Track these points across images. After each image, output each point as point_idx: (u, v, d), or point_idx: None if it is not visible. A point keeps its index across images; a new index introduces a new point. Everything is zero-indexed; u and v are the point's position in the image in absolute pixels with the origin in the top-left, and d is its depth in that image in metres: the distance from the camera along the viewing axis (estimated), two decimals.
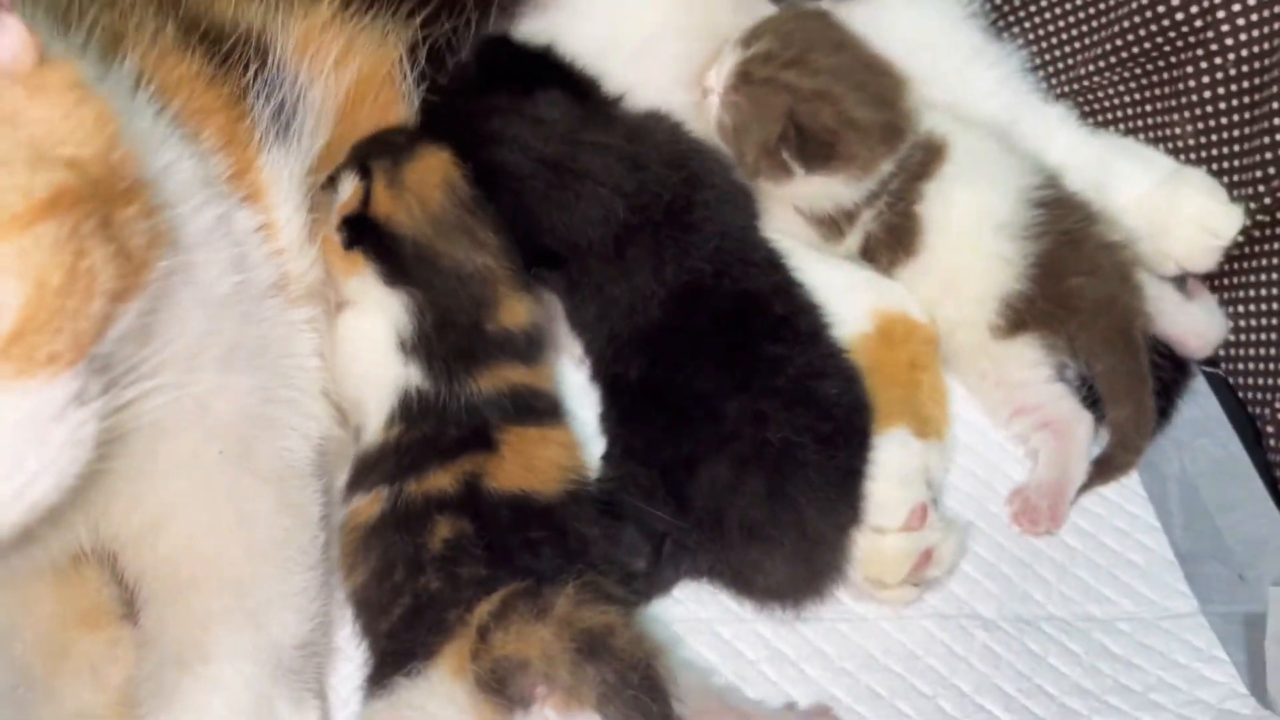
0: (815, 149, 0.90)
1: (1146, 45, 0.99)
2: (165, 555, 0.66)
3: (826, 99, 0.89)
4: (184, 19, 0.76)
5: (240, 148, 0.75)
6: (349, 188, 0.77)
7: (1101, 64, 1.03)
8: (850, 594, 0.81)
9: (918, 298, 0.94)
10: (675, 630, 0.78)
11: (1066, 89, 1.08)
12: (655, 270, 0.82)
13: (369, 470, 0.74)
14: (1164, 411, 0.94)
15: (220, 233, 0.68)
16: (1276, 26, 0.88)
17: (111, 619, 0.69)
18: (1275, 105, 0.88)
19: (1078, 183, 0.98)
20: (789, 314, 0.82)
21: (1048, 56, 1.10)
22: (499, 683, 0.62)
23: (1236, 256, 0.96)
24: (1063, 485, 0.87)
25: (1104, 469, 0.89)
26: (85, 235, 0.52)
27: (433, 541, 0.68)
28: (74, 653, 0.67)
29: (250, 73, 0.76)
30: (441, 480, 0.71)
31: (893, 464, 0.81)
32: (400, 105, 0.85)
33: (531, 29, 0.90)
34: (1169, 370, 0.95)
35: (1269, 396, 0.93)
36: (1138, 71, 1.01)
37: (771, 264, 0.86)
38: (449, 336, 0.75)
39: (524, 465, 0.73)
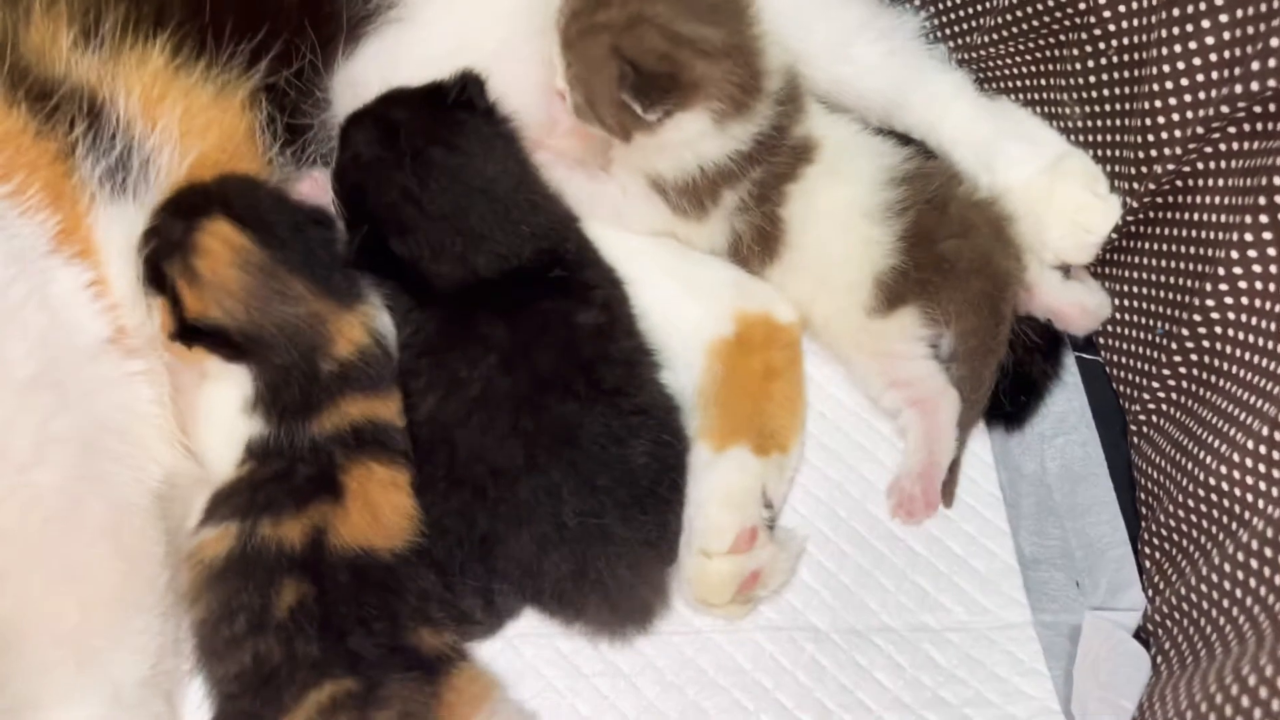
0: (658, 81, 0.84)
1: (1035, 23, 0.95)
2: (3, 612, 0.72)
3: (644, 21, 0.84)
4: (11, 72, 0.77)
5: (69, 204, 0.77)
6: (157, 308, 0.78)
7: (997, 35, 0.99)
8: (688, 606, 0.84)
9: (790, 295, 0.94)
10: (513, 641, 0.83)
11: (966, 56, 1.04)
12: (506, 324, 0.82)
13: (221, 503, 0.78)
14: (1028, 406, 0.95)
15: (28, 310, 0.71)
16: (1153, 19, 0.83)
17: None
18: (1153, 99, 0.84)
19: (968, 161, 0.97)
20: (593, 364, 0.82)
21: (947, 22, 1.06)
22: None
23: (1118, 243, 0.94)
24: (931, 467, 0.89)
25: None
26: None
27: (279, 604, 0.72)
28: None
29: (78, 129, 0.77)
30: (292, 532, 0.74)
31: (725, 486, 0.83)
32: (258, 161, 0.85)
33: (379, 48, 0.89)
34: (1039, 364, 0.95)
35: (1141, 385, 0.92)
36: (1030, 46, 0.97)
37: (604, 305, 0.86)
38: (287, 394, 0.78)
39: (370, 515, 0.76)
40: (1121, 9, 0.87)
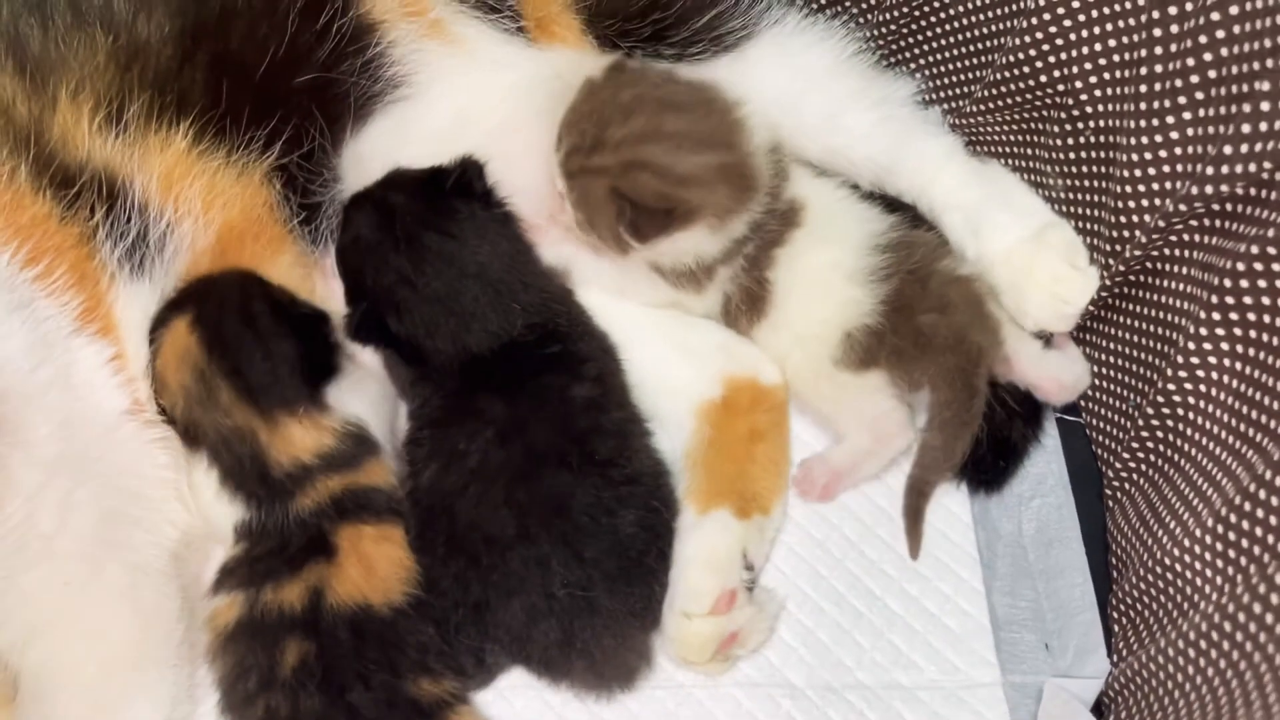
0: (657, 216, 0.91)
1: (1019, 98, 0.97)
2: (31, 664, 0.77)
3: (639, 166, 0.90)
4: (37, 159, 0.82)
5: (91, 284, 0.82)
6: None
7: (988, 105, 1.02)
8: (670, 661, 0.89)
9: (770, 352, 0.98)
10: (504, 693, 0.87)
11: (959, 121, 1.07)
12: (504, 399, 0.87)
13: (226, 576, 0.84)
14: (1007, 470, 0.98)
15: (54, 391, 0.77)
16: (1126, 107, 0.86)
17: (3, 703, 0.81)
18: (1124, 184, 0.87)
19: (955, 226, 1.00)
20: (586, 436, 0.86)
21: (942, 85, 1.09)
22: None
23: (1099, 312, 0.97)
24: (847, 473, 0.94)
25: (911, 488, 0.94)
26: None
27: (284, 664, 0.78)
28: None
29: (99, 213, 0.82)
30: (291, 594, 0.80)
31: (707, 549, 0.88)
32: (285, 241, 0.91)
33: (386, 126, 0.94)
34: (1019, 428, 0.98)
35: (1116, 451, 0.95)
36: (1017, 117, 1.00)
37: (597, 378, 0.90)
38: (249, 485, 0.83)
39: (364, 570, 0.81)
40: (1098, 93, 0.90)
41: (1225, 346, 0.77)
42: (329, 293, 0.94)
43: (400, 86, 0.94)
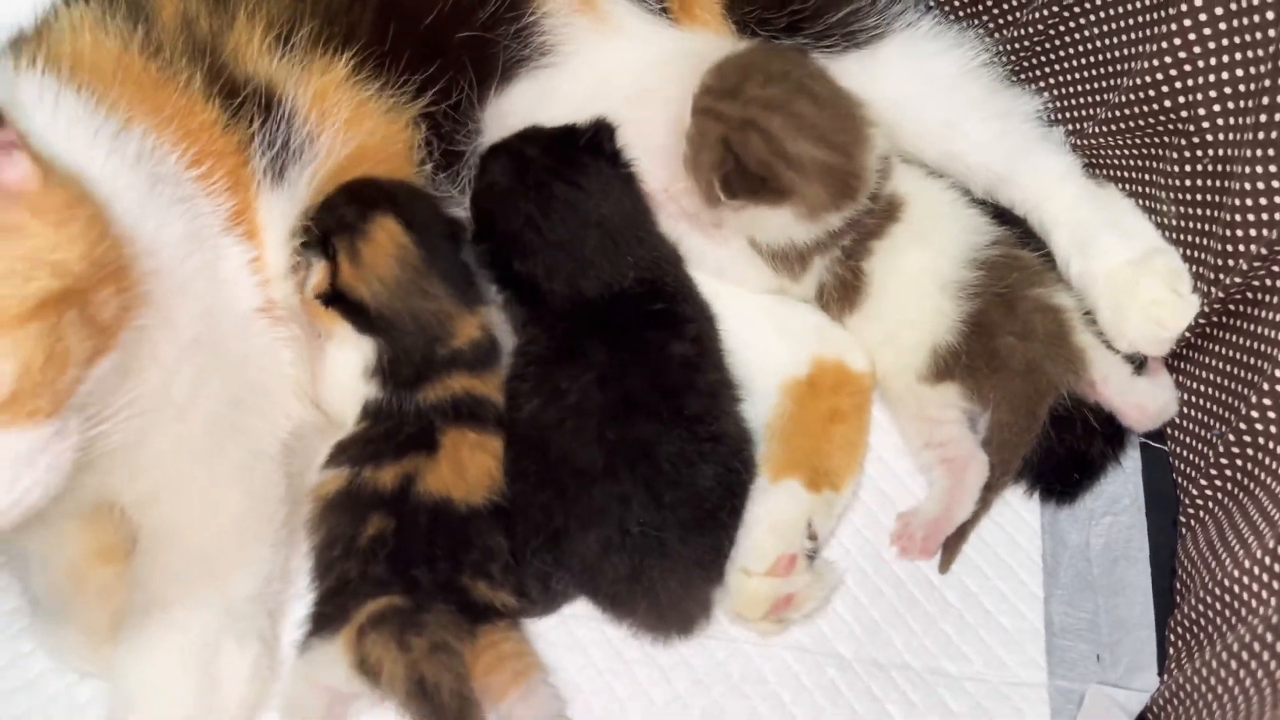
0: (749, 180, 0.95)
1: (1140, 123, 0.99)
2: (151, 522, 0.86)
3: (754, 127, 0.94)
4: (211, 69, 0.91)
5: (242, 189, 0.90)
6: (318, 269, 0.91)
7: (1110, 127, 1.03)
8: (727, 616, 0.93)
9: (863, 342, 1.02)
10: (567, 620, 0.92)
11: (1080, 142, 1.08)
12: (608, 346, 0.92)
13: (340, 453, 0.91)
14: (1080, 484, 0.99)
15: (201, 280, 0.84)
16: (1245, 136, 0.87)
17: (122, 556, 0.88)
18: (1234, 212, 0.89)
19: (1063, 242, 1.02)
20: (679, 392, 0.91)
21: (1066, 107, 1.10)
22: (368, 674, 0.80)
23: (1190, 341, 0.97)
24: (942, 522, 0.95)
25: None
26: (64, 325, 0.69)
27: (364, 534, 0.85)
28: (89, 581, 0.87)
29: (256, 123, 0.90)
30: (387, 475, 0.87)
31: (774, 513, 0.91)
32: (411, 173, 0.97)
33: (530, 87, 1.00)
34: (1099, 445, 1.00)
35: (1195, 479, 0.96)
36: (1137, 141, 1.02)
37: (695, 339, 0.95)
38: (403, 369, 0.91)
39: (456, 469, 0.88)
40: (1220, 121, 0.91)
41: None
42: None
43: (547, 54, 1.01)
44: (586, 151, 0.96)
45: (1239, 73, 0.88)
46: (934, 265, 0.99)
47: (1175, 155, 0.97)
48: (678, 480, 0.88)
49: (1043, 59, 1.11)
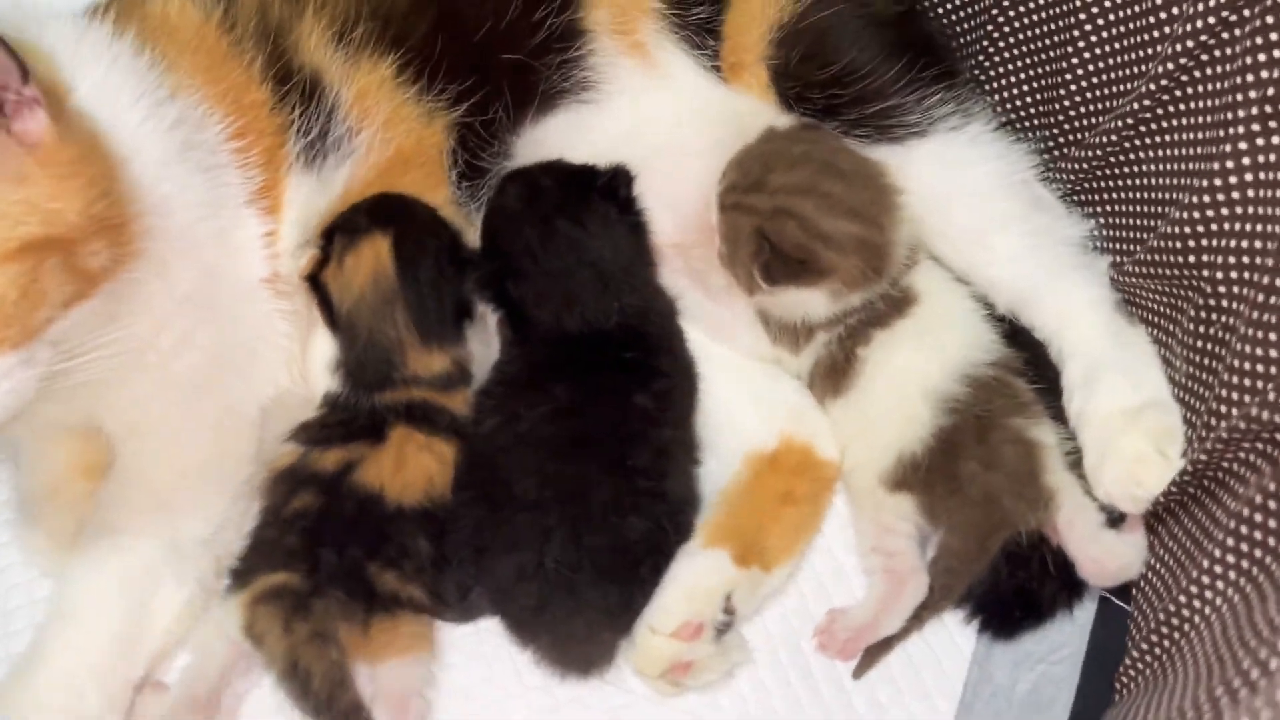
0: (789, 266, 0.97)
1: (1168, 271, 0.95)
2: (126, 452, 0.93)
3: (788, 214, 0.96)
4: (272, 54, 0.98)
5: (274, 168, 0.97)
6: (309, 254, 0.97)
7: (1144, 270, 0.99)
8: (629, 665, 0.94)
9: (839, 431, 1.01)
10: (482, 631, 0.95)
11: (1119, 277, 1.04)
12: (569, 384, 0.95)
13: (300, 431, 0.97)
14: (1022, 625, 0.97)
15: (208, 243, 0.91)
16: (1248, 309, 0.83)
17: (99, 475, 0.96)
18: (1225, 371, 0.85)
19: (1073, 375, 0.99)
20: (629, 441, 0.93)
21: (1115, 237, 1.07)
22: (254, 641, 0.86)
23: (1168, 504, 0.94)
24: (868, 630, 0.94)
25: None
26: (44, 269, 0.76)
27: (290, 506, 0.91)
28: (66, 491, 0.97)
29: (298, 109, 0.97)
30: (330, 459, 0.92)
31: (693, 578, 0.92)
32: (443, 186, 1.02)
33: (566, 121, 1.04)
34: (1051, 591, 0.97)
35: (1138, 640, 0.92)
36: (1165, 289, 0.97)
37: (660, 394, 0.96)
38: (361, 374, 0.96)
39: (396, 465, 0.92)
40: (1236, 290, 0.87)
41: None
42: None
43: (588, 90, 1.03)
44: (600, 193, 0.99)
45: (1258, 244, 0.84)
46: (924, 370, 0.98)
47: (1192, 313, 0.93)
48: (603, 527, 0.90)
49: (1102, 185, 1.07)
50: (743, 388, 1.03)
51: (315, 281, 0.98)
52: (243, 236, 0.95)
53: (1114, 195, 1.06)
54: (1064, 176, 1.09)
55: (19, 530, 0.98)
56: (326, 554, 0.88)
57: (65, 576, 0.91)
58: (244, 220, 0.95)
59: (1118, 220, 1.06)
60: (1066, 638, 0.96)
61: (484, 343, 1.03)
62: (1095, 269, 1.04)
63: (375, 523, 0.91)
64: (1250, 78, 0.83)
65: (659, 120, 1.05)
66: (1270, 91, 0.80)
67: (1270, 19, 0.81)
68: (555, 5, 1.01)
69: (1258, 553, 0.76)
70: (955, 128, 1.01)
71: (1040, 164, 1.12)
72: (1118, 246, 1.07)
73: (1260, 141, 0.82)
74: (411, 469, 0.93)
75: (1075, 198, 1.10)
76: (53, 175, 0.77)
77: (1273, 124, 0.81)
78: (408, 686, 0.88)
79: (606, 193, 0.99)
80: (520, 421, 0.94)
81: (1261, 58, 0.82)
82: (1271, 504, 0.74)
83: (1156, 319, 1.01)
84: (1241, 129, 0.83)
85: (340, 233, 0.98)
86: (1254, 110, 0.82)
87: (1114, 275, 1.05)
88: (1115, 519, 0.95)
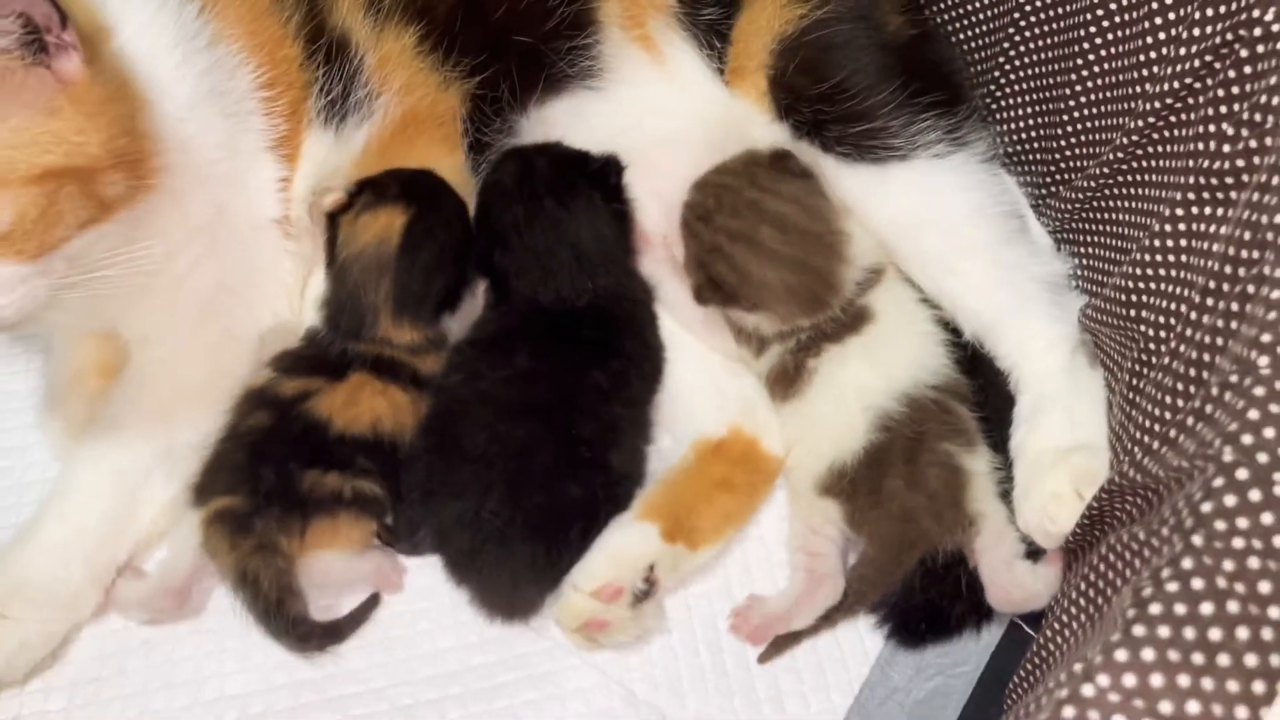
0: (718, 294, 1.05)
1: (1112, 320, 0.97)
2: (137, 359, 1.04)
3: (720, 254, 1.03)
4: (306, 14, 1.06)
5: (296, 120, 1.06)
6: (339, 194, 1.06)
7: (1100, 316, 1.02)
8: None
9: (786, 432, 1.07)
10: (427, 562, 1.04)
11: (1084, 317, 1.07)
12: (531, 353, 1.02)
13: (275, 359, 1.06)
14: (925, 637, 1.01)
15: (224, 182, 1.01)
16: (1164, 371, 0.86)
17: (114, 375, 1.07)
18: (1130, 430, 0.88)
19: (1023, 409, 1.03)
20: (578, 412, 1.00)
21: (1089, 279, 1.09)
22: (209, 555, 0.97)
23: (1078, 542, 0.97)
24: (779, 621, 1.00)
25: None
26: (63, 193, 0.85)
27: (245, 423, 1.00)
28: (84, 385, 1.08)
29: (323, 67, 1.05)
30: (289, 386, 1.01)
31: (620, 545, 0.99)
32: (458, 151, 1.10)
33: (570, 105, 1.10)
34: (960, 610, 1.01)
35: (1026, 668, 0.96)
36: (1113, 339, 1.00)
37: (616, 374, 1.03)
38: (339, 319, 1.05)
39: (348, 402, 1.01)
40: (1163, 348, 0.90)
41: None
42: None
43: (593, 78, 1.10)
44: (589, 179, 1.06)
45: (1179, 308, 0.86)
46: (868, 385, 1.02)
47: (1128, 365, 0.96)
48: (541, 487, 0.98)
49: (1083, 226, 1.09)
50: (704, 377, 1.09)
51: (333, 219, 1.07)
52: (260, 178, 1.05)
53: (1092, 239, 1.08)
54: (1053, 215, 1.12)
55: (43, 414, 1.10)
56: (266, 471, 0.97)
57: (69, 461, 1.03)
58: (263, 164, 1.05)
59: (1093, 264, 1.09)
60: (970, 654, 1.01)
61: (470, 306, 1.11)
62: (1066, 307, 1.06)
63: (318, 443, 0.99)
64: (1199, 146, 0.85)
65: (659, 114, 1.10)
66: (1208, 163, 0.83)
67: (1221, 92, 0.83)
68: None
69: (1101, 584, 0.80)
70: (939, 155, 1.04)
71: (1033, 199, 1.15)
72: (1091, 289, 1.09)
73: (1195, 210, 0.84)
74: (361, 407, 1.01)
75: (1061, 236, 1.13)
76: (81, 111, 0.86)
77: (1206, 195, 0.83)
78: (332, 576, 0.97)
79: (596, 179, 1.06)
80: (482, 380, 1.02)
81: (1211, 129, 0.84)
82: (1119, 547, 0.77)
83: (1109, 365, 1.03)
84: (1179, 195, 0.85)
85: (371, 189, 1.07)
86: (1193, 179, 0.84)
87: (1083, 316, 1.08)
88: (1036, 551, 0.99)
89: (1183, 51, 0.86)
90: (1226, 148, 0.81)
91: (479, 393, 1.01)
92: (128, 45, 0.95)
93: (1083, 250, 1.09)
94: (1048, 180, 1.13)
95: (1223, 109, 0.83)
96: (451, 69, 1.08)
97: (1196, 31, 0.85)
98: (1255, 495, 0.62)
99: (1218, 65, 0.84)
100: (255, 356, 1.07)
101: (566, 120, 1.10)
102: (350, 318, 1.04)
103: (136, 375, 1.04)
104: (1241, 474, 0.63)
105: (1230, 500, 0.62)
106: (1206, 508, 0.63)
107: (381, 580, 1.01)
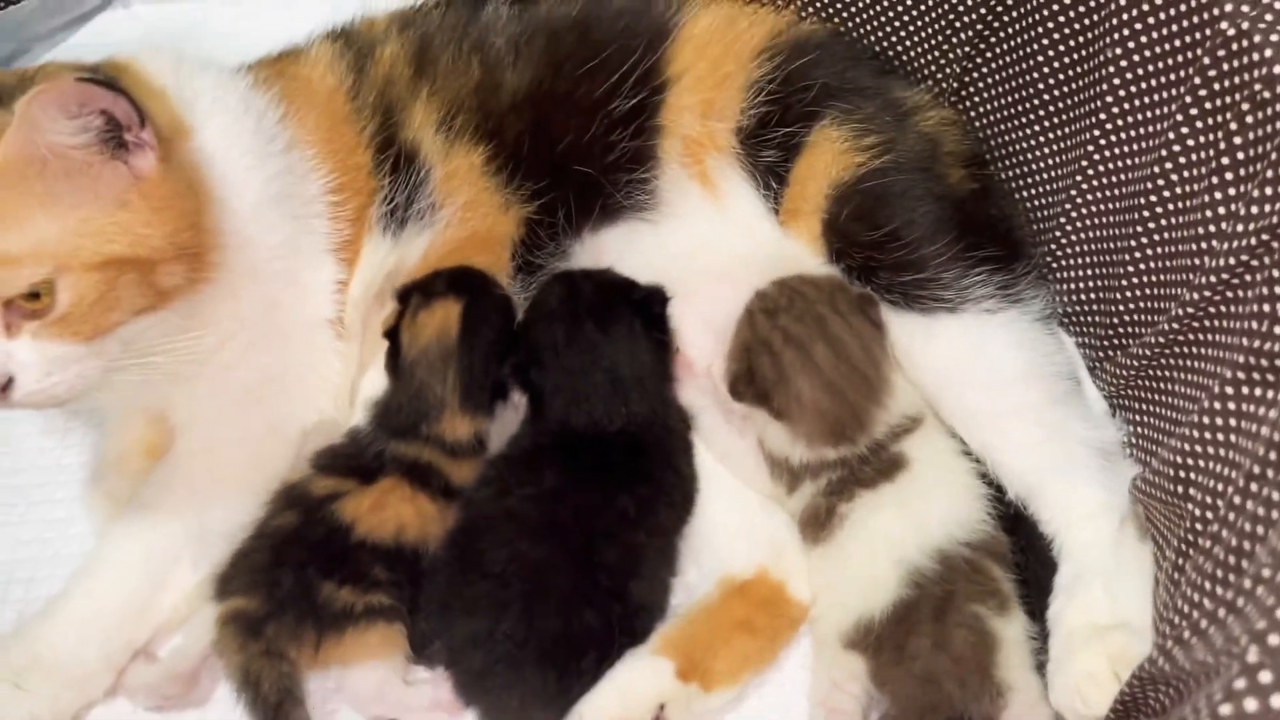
0: (751, 390, 1.03)
1: (1161, 495, 0.94)
2: (181, 442, 1.07)
3: (770, 351, 1.02)
4: (381, 124, 1.11)
5: (359, 225, 1.09)
6: (392, 308, 1.09)
7: (1146, 489, 0.98)
8: None
9: (814, 580, 1.04)
10: None
11: (1134, 488, 1.03)
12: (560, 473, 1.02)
13: (315, 455, 1.07)
14: None
15: (280, 280, 1.04)
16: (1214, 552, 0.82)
17: (160, 456, 1.10)
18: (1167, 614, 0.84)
19: (1064, 577, 0.99)
20: (601, 537, 0.98)
21: (1141, 447, 1.06)
22: (217, 653, 0.97)
23: None
24: None
25: None
26: (123, 281, 0.89)
27: (274, 521, 1.01)
28: (129, 463, 1.10)
29: (389, 177, 1.09)
30: (320, 486, 1.02)
31: (632, 681, 0.96)
32: (505, 269, 1.12)
33: (623, 234, 1.12)
34: None
35: None
36: (1157, 512, 0.96)
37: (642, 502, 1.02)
38: (390, 418, 1.06)
39: (375, 507, 1.01)
40: (1211, 528, 0.86)
41: None
42: None
43: (649, 210, 1.12)
44: (632, 306, 1.07)
45: (1225, 489, 0.83)
46: (900, 538, 0.99)
47: (1175, 543, 0.92)
48: (557, 612, 0.96)
49: (1138, 394, 1.06)
50: (736, 513, 1.07)
51: (393, 333, 1.09)
52: (318, 279, 1.08)
53: (1146, 407, 1.05)
54: (1109, 379, 1.09)
55: (87, 487, 1.13)
56: (285, 576, 0.97)
57: (103, 537, 1.04)
58: (323, 265, 1.08)
59: (1146, 433, 1.05)
60: None
61: (511, 417, 1.11)
62: (1117, 476, 1.02)
63: (338, 549, 0.98)
64: (1252, 325, 0.83)
65: (711, 248, 1.11)
66: (1260, 344, 0.80)
67: (1276, 272, 0.81)
68: (630, 130, 1.09)
69: None
70: (990, 310, 1.03)
71: (1091, 361, 1.12)
72: (1144, 459, 1.06)
73: (1244, 390, 0.81)
74: (387, 513, 1.01)
75: (1116, 402, 1.10)
76: (150, 206, 0.90)
77: (1256, 375, 0.80)
78: (371, 688, 0.96)
79: (639, 306, 1.07)
80: (509, 496, 1.01)
81: (1265, 309, 0.82)
82: None
83: (1158, 540, 0.99)
84: (1230, 372, 0.82)
85: (419, 292, 1.10)
86: (1244, 358, 0.81)
87: (1134, 487, 1.04)
88: None
89: (1240, 228, 0.84)
90: (1279, 329, 0.79)
91: (505, 509, 1.01)
92: (206, 145, 0.99)
93: (1137, 418, 1.06)
94: (1105, 343, 1.10)
95: (1277, 289, 0.80)
96: (514, 191, 1.10)
97: (1255, 209, 0.83)
98: (1278, 702, 0.58)
99: (1275, 244, 0.82)
100: (297, 452, 1.08)
101: (618, 248, 1.12)
102: (406, 416, 1.05)
103: (179, 458, 1.07)
104: (1264, 677, 0.59)
105: (1251, 705, 0.58)
106: (1225, 710, 0.59)
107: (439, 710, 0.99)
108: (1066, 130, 1.10)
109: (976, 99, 1.18)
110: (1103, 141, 1.03)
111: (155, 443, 1.11)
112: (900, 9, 1.16)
